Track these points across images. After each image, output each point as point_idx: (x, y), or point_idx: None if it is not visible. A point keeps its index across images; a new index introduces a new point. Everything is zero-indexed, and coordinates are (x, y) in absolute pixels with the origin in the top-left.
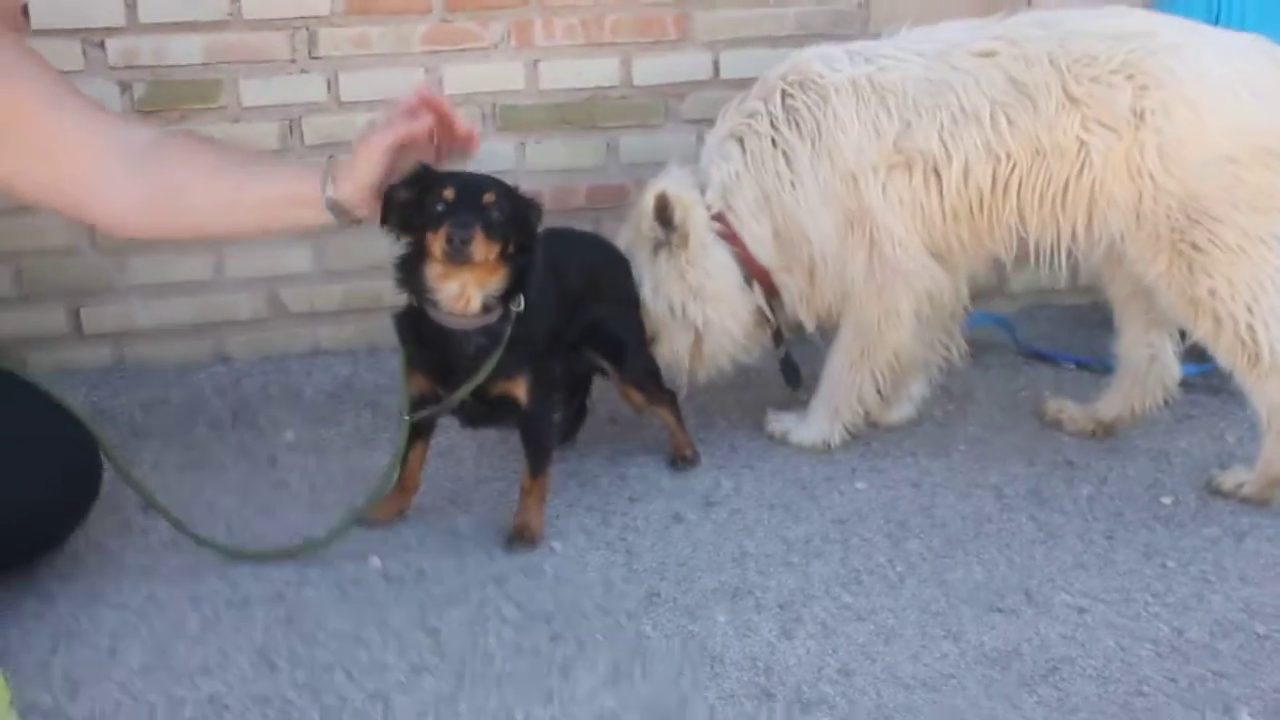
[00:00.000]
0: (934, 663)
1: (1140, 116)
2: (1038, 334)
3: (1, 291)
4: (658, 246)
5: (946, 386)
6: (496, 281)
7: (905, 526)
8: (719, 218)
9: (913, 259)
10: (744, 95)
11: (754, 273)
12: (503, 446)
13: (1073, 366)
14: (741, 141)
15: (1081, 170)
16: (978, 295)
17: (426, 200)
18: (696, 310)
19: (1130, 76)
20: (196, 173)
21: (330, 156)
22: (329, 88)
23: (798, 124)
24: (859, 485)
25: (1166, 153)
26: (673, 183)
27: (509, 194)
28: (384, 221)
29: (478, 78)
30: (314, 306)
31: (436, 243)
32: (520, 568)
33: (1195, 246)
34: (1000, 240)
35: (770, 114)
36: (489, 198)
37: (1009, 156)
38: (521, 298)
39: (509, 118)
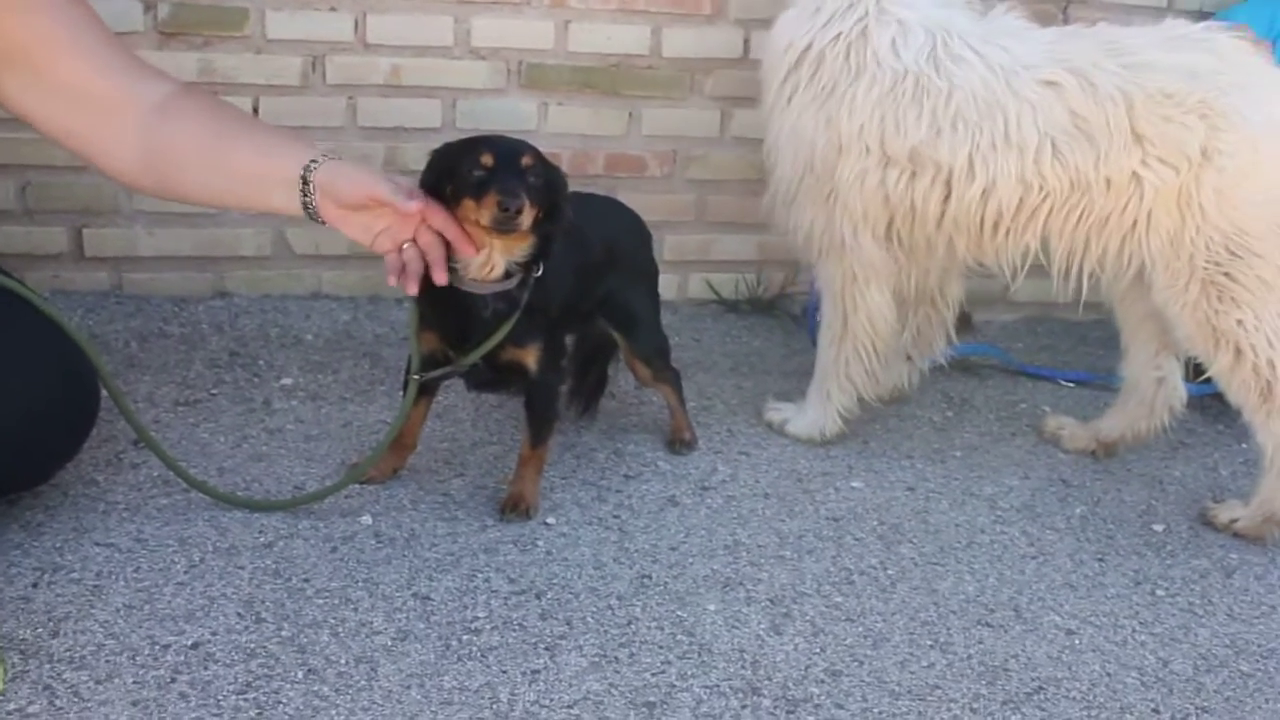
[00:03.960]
0: (921, 672)
1: (1206, 155)
2: (1038, 346)
3: (5, 206)
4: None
5: (945, 391)
6: (523, 248)
7: (899, 530)
8: None
9: (862, 245)
10: None
11: None
12: (499, 411)
13: (1071, 385)
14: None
15: (1128, 203)
16: (980, 301)
17: (460, 166)
18: None
19: (1204, 116)
20: (200, 146)
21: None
22: (356, 28)
23: (819, 70)
24: (855, 484)
25: (1223, 190)
26: None
27: (541, 158)
28: (424, 184)
29: (506, 32)
30: (319, 249)
31: (483, 211)
32: (512, 539)
33: (1230, 278)
34: (1005, 255)
35: (826, 36)
36: (528, 161)
37: (1041, 188)
38: (542, 265)
39: (534, 76)
